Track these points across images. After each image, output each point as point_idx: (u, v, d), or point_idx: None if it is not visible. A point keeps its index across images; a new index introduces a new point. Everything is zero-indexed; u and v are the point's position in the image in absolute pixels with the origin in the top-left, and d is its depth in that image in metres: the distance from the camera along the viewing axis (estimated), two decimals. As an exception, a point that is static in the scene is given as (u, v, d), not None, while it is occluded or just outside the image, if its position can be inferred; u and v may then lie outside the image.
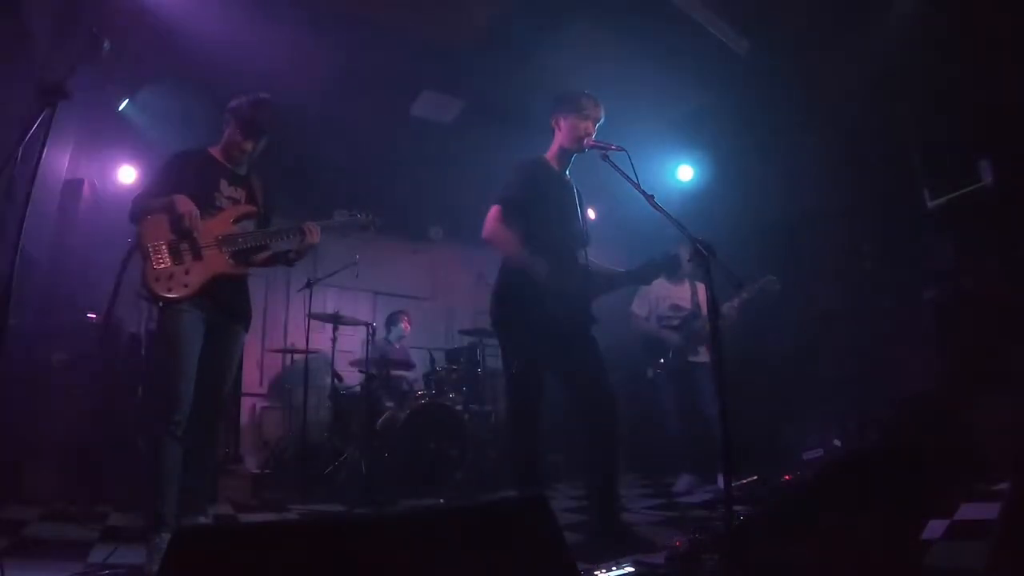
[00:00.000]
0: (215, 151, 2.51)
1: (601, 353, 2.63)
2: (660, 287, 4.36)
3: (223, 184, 2.45)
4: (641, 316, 4.41)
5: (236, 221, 2.42)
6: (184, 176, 2.37)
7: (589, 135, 2.63)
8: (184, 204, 2.25)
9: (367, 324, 4.72)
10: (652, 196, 2.21)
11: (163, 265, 2.22)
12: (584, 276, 2.61)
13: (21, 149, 1.73)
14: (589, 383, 2.57)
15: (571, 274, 2.56)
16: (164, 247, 2.24)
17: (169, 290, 2.22)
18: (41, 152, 1.81)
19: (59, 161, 3.96)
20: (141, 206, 2.31)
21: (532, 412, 2.53)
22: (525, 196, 2.58)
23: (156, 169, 2.51)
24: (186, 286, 2.24)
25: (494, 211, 2.58)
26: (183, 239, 2.27)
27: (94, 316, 3.74)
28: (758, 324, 4.28)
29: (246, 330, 2.51)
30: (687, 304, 4.33)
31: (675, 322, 4.30)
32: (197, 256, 2.28)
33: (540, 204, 2.59)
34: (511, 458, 2.53)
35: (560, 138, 2.72)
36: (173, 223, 2.26)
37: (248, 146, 2.48)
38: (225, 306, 2.38)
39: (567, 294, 2.50)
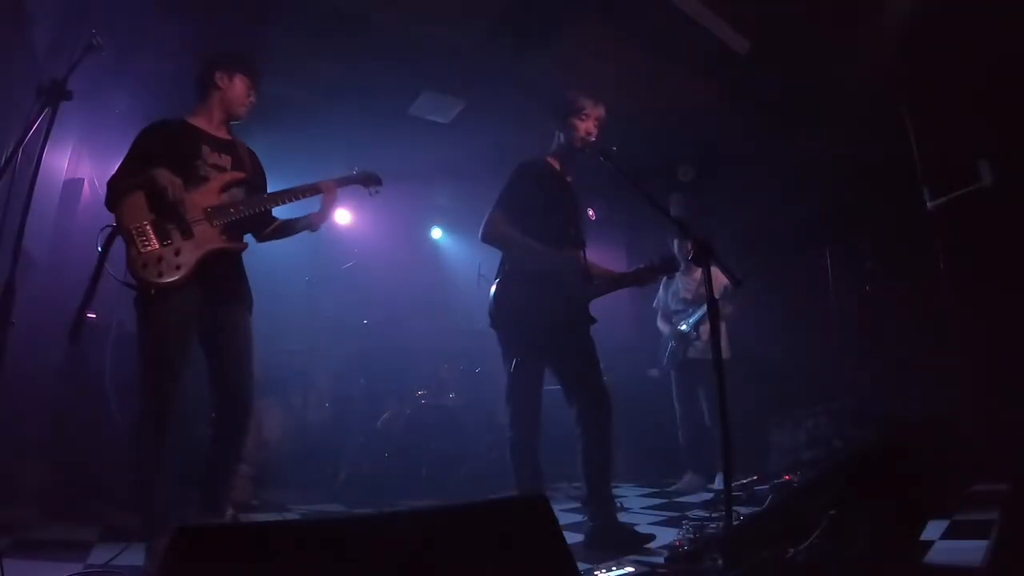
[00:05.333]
0: (194, 119, 2.30)
1: (596, 353, 2.62)
2: (674, 280, 4.33)
3: (205, 151, 2.23)
4: (658, 311, 4.39)
5: (224, 190, 2.20)
6: (161, 148, 2.14)
7: (591, 134, 2.62)
8: (164, 176, 2.03)
9: (363, 322, 4.72)
10: (652, 196, 2.21)
11: (150, 248, 2.00)
12: (584, 276, 2.61)
13: (21, 149, 1.73)
14: (582, 379, 2.56)
15: (572, 272, 2.55)
16: (148, 227, 2.02)
17: (160, 275, 1.99)
18: (41, 152, 1.81)
19: (59, 161, 3.95)
20: (117, 188, 2.07)
21: (532, 410, 2.52)
22: (526, 198, 2.57)
23: (130, 146, 2.22)
24: (178, 268, 2.02)
25: (494, 213, 2.58)
26: (168, 216, 2.05)
27: (94, 316, 3.73)
28: (758, 324, 4.28)
29: (249, 311, 2.27)
30: (692, 295, 4.27)
31: (680, 316, 4.27)
32: (187, 234, 2.07)
33: (541, 206, 2.58)
34: (511, 457, 2.52)
35: (562, 140, 2.71)
36: (154, 200, 2.03)
37: (253, 99, 2.36)
38: (221, 289, 2.16)
39: (568, 291, 2.50)
